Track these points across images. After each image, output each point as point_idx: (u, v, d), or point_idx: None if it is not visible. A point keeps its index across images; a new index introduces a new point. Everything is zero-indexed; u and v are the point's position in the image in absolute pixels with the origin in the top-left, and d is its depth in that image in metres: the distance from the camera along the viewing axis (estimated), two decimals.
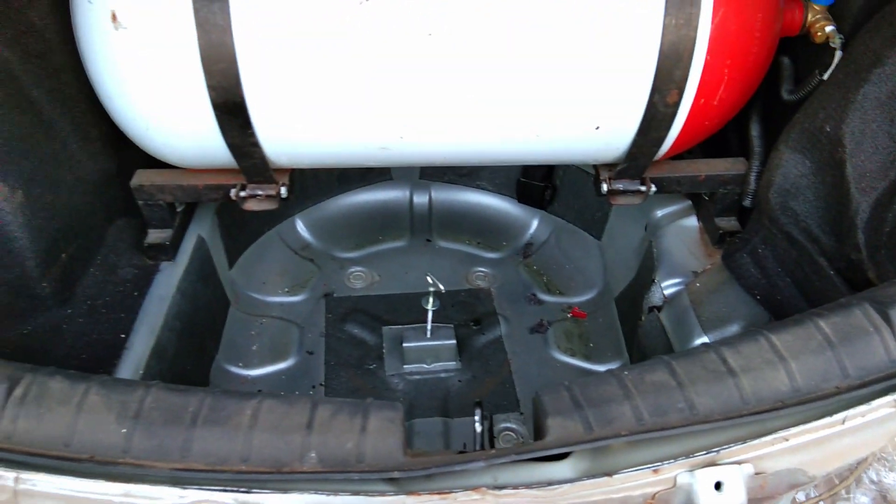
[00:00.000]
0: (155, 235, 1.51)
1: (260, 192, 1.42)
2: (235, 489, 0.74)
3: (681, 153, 1.48)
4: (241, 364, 1.71)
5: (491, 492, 0.72)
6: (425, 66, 1.18)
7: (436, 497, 0.73)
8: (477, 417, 1.19)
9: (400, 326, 1.77)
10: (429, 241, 2.13)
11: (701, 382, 0.80)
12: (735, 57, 1.22)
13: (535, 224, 2.13)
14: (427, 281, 1.69)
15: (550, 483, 0.73)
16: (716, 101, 1.26)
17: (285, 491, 0.74)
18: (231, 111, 1.21)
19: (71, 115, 1.39)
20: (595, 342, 1.83)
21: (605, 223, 1.96)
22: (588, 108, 1.25)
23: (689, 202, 1.68)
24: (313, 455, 0.76)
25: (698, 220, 1.64)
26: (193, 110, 1.21)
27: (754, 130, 1.50)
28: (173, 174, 1.45)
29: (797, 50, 1.44)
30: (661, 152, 1.37)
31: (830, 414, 0.79)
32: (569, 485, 0.73)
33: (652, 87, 1.21)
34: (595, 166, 1.48)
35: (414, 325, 1.75)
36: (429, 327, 1.71)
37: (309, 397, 0.82)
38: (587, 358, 1.79)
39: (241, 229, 1.88)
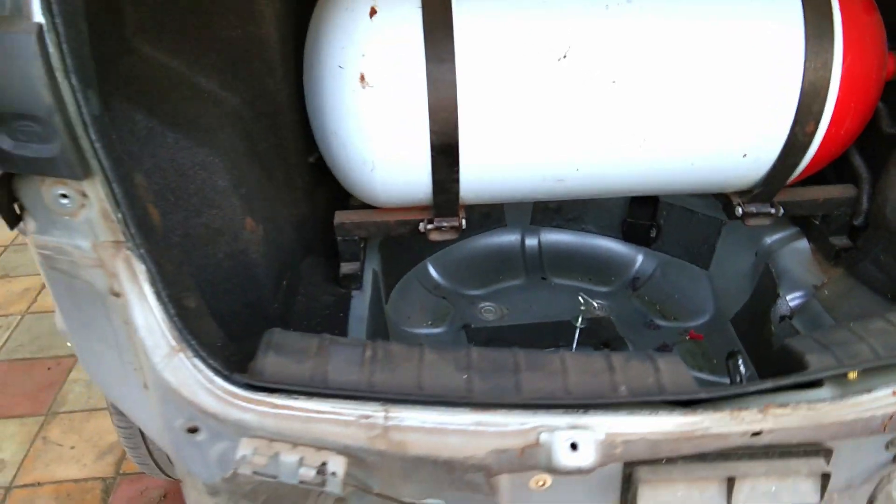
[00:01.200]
0: (348, 267, 1.74)
1: (445, 224, 1.65)
2: (567, 413, 0.94)
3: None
4: None
5: (772, 410, 0.92)
6: (607, 108, 1.44)
7: (727, 415, 0.93)
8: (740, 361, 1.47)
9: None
10: (544, 279, 2.36)
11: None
12: (858, 93, 1.48)
13: (640, 260, 2.36)
14: (560, 310, 1.90)
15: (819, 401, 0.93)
16: (843, 131, 1.52)
17: (607, 414, 0.94)
18: (445, 151, 1.46)
19: (285, 166, 1.65)
20: (717, 359, 2.02)
21: (713, 254, 2.19)
22: (741, 138, 1.50)
23: (797, 228, 1.92)
24: (623, 388, 0.96)
25: (809, 241, 1.88)
26: (416, 150, 1.46)
27: (858, 160, 1.75)
28: (369, 213, 1.70)
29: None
30: (791, 178, 1.62)
31: None
32: (831, 403, 0.93)
33: (794, 119, 1.47)
34: (727, 195, 1.73)
35: (558, 347, 1.95)
36: (574, 345, 1.91)
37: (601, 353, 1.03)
38: (713, 373, 1.98)
39: (391, 269, 2.11)
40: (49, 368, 2.66)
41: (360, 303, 1.71)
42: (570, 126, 1.46)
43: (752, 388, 0.95)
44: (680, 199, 2.20)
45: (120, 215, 0.92)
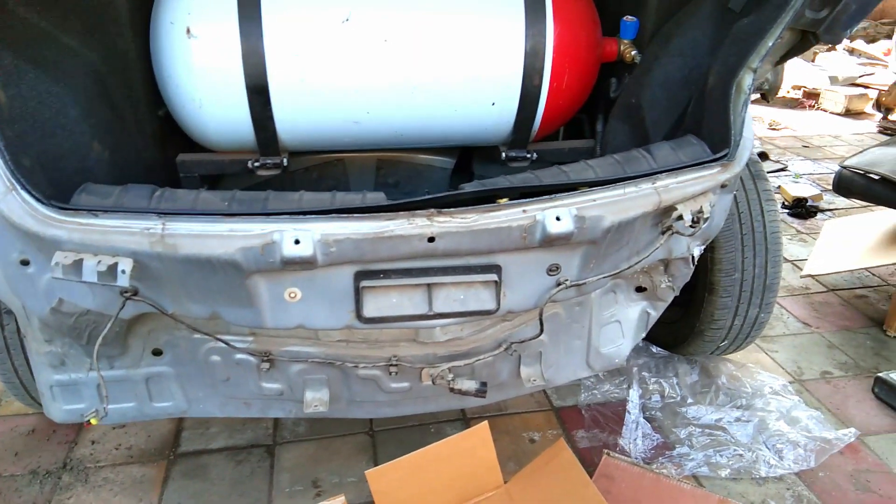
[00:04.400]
0: None
1: (269, 162, 2.06)
2: (294, 220, 1.33)
3: (551, 134, 2.24)
4: None
5: (435, 217, 1.35)
6: (382, 61, 1.90)
7: (404, 220, 1.35)
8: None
9: None
10: None
11: (547, 175, 1.48)
12: (570, 58, 2.00)
13: None
14: None
15: (469, 212, 1.36)
16: (563, 88, 2.03)
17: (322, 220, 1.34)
18: (258, 91, 1.88)
19: (136, 114, 2.03)
20: None
21: None
22: (488, 90, 1.99)
23: None
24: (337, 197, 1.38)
25: None
26: (233, 90, 1.87)
27: (596, 120, 2.28)
28: (207, 154, 2.08)
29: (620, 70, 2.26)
30: (535, 127, 2.11)
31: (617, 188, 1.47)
32: (478, 214, 1.37)
33: (523, 74, 1.97)
34: (498, 147, 2.21)
35: None
36: None
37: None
38: None
39: None
40: None
41: None
42: (356, 75, 1.91)
43: (419, 199, 1.38)
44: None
45: None
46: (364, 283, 1.44)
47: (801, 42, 1.68)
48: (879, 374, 2.61)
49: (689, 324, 2.56)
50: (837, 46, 8.02)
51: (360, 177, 2.79)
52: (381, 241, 1.37)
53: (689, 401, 2.55)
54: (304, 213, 1.35)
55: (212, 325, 1.63)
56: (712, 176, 1.57)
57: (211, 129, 1.98)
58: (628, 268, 1.63)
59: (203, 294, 1.45)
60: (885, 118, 6.38)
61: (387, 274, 1.45)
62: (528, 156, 2.18)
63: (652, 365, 2.72)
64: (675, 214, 1.55)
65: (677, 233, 1.61)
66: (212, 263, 1.35)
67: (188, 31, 1.82)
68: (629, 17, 2.15)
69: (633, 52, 2.14)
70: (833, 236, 3.54)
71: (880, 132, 6.23)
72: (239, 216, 1.35)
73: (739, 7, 1.82)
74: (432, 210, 1.37)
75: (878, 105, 6.43)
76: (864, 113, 6.65)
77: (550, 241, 1.43)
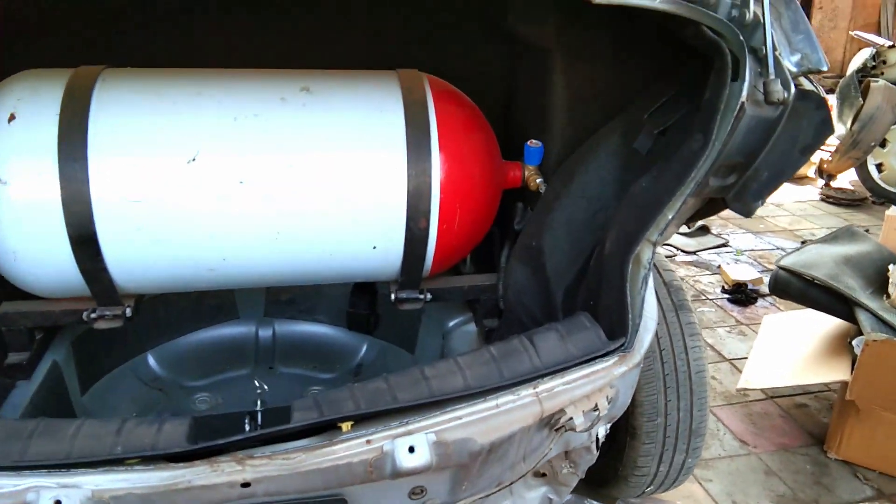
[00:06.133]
0: (14, 357, 1.77)
1: (108, 313, 1.74)
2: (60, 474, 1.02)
3: (450, 269, 1.98)
4: None
5: (248, 461, 1.05)
6: (237, 205, 1.62)
7: (206, 467, 1.05)
8: None
9: None
10: (271, 368, 2.46)
11: (404, 385, 1.20)
12: (462, 195, 1.75)
13: (364, 348, 2.52)
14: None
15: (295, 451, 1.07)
16: (455, 227, 1.78)
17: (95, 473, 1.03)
18: (84, 243, 1.57)
19: None
20: None
21: (416, 339, 2.38)
22: (365, 233, 1.72)
23: (471, 313, 2.16)
24: (119, 448, 1.07)
25: (475, 324, 2.11)
26: (53, 241, 1.57)
27: (502, 254, 2.03)
28: (36, 303, 1.76)
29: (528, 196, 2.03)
30: (427, 267, 1.84)
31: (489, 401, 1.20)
32: (305, 452, 1.08)
33: (407, 216, 1.71)
34: (389, 283, 1.94)
35: None
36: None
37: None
38: None
39: (94, 361, 2.14)
40: None
41: (23, 392, 1.74)
42: (207, 222, 1.62)
43: (223, 442, 1.08)
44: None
45: None
46: None
47: (710, 206, 1.46)
48: None
49: (612, 467, 2.30)
50: None
51: (249, 295, 2.50)
52: (177, 493, 1.07)
53: None
54: (70, 467, 1.04)
55: None
56: (607, 370, 1.32)
57: (30, 280, 1.66)
58: (513, 480, 1.36)
59: None
60: (827, 184, 6.33)
61: None
62: (421, 297, 1.91)
63: None
64: (563, 418, 1.29)
65: (571, 430, 1.35)
66: None
67: None
68: (533, 141, 1.92)
69: (538, 180, 1.91)
70: (771, 338, 3.35)
71: (822, 200, 6.18)
72: None
73: (645, 150, 1.60)
74: (242, 454, 1.08)
75: (819, 171, 6.39)
76: (808, 177, 6.62)
77: (404, 475, 1.15)
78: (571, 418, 1.29)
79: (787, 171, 1.31)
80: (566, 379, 1.28)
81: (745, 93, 1.21)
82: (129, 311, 1.76)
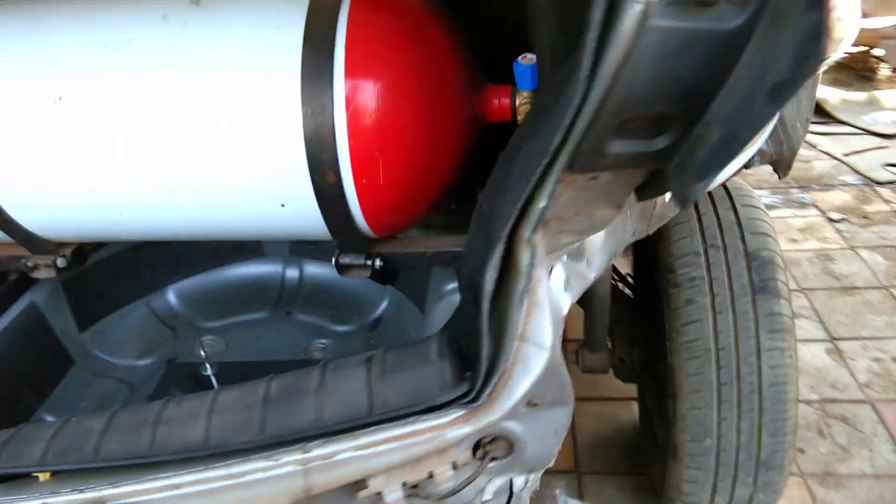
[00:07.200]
0: None
1: (41, 262, 1.64)
2: None
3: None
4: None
5: None
6: (109, 154, 1.36)
7: None
8: None
9: None
10: (289, 313, 2.27)
11: (124, 429, 0.88)
12: (390, 140, 1.31)
13: (385, 301, 2.21)
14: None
15: None
16: (382, 182, 1.34)
17: None
18: None
19: None
20: None
21: (426, 298, 2.01)
22: (265, 189, 1.37)
23: None
24: None
25: None
26: None
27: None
28: None
29: None
30: (363, 228, 1.45)
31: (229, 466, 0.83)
32: None
33: (309, 169, 1.32)
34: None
35: None
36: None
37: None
38: None
39: (99, 297, 2.12)
40: None
41: None
42: (82, 172, 1.39)
43: None
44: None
45: None
46: None
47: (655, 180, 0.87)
48: None
49: (659, 482, 1.80)
50: None
51: None
52: None
53: None
54: None
55: None
56: (434, 431, 0.87)
57: None
58: None
59: None
60: None
61: None
62: (368, 263, 1.53)
63: None
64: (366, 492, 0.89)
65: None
66: None
67: None
68: (526, 56, 1.37)
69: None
70: None
71: None
72: None
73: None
74: None
75: None
76: None
77: None
78: (380, 493, 0.88)
79: (745, 129, 0.69)
80: (361, 442, 0.86)
81: None
82: (61, 262, 1.63)
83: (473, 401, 0.86)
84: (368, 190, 1.35)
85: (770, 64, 0.65)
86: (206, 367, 1.82)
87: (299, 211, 1.41)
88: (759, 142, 1.02)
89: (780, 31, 0.64)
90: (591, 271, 1.24)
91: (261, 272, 2.34)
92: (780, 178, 1.59)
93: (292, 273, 2.33)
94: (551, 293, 0.93)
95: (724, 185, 1.72)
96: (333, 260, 1.54)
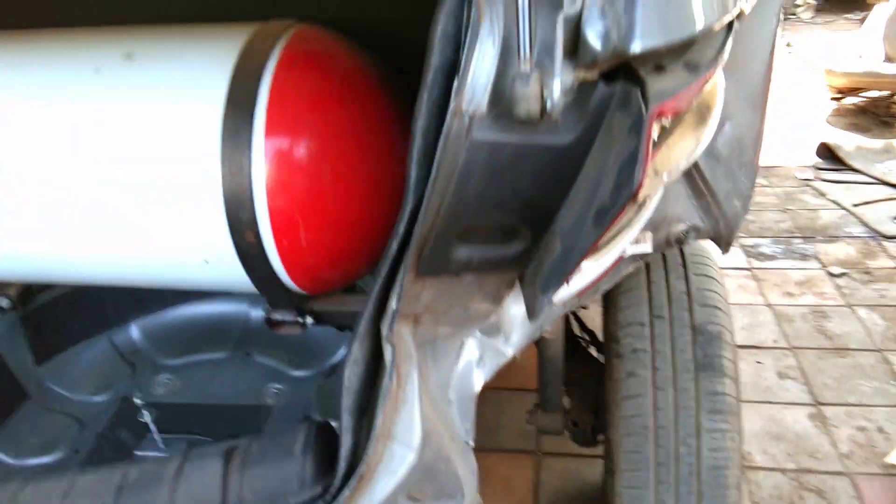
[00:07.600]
0: None
1: None
2: None
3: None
4: (11, 452, 1.89)
5: None
6: (37, 209, 1.36)
7: None
8: None
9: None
10: (248, 354, 2.24)
11: None
12: (306, 205, 1.28)
13: (343, 348, 2.17)
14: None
15: None
16: (304, 244, 1.32)
17: None
18: None
19: None
20: None
21: None
22: (186, 245, 1.35)
23: None
24: None
25: None
26: None
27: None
28: None
29: None
30: (292, 286, 1.42)
31: None
32: None
33: (230, 228, 1.30)
34: None
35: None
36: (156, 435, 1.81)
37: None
38: None
39: (59, 330, 2.12)
40: None
41: None
42: (12, 216, 1.39)
43: None
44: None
45: None
46: None
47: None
48: None
49: None
50: None
51: None
52: None
53: None
54: None
55: None
56: None
57: None
58: None
59: None
60: None
61: None
62: (300, 320, 1.50)
63: None
64: None
65: None
66: None
67: None
68: None
69: None
70: None
71: None
72: None
73: None
74: None
75: None
76: None
77: None
78: None
79: (578, 247, 0.65)
80: None
81: (458, 97, 0.59)
82: (5, 302, 1.63)
83: (329, 502, 0.82)
84: (290, 251, 1.32)
85: (600, 183, 0.61)
86: (142, 414, 1.81)
87: (225, 268, 1.38)
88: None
89: (609, 151, 0.60)
90: (508, 347, 1.19)
91: (225, 311, 2.32)
92: (723, 253, 1.52)
93: (256, 313, 2.31)
94: (428, 389, 0.88)
95: (680, 251, 1.66)
96: (264, 317, 1.52)
